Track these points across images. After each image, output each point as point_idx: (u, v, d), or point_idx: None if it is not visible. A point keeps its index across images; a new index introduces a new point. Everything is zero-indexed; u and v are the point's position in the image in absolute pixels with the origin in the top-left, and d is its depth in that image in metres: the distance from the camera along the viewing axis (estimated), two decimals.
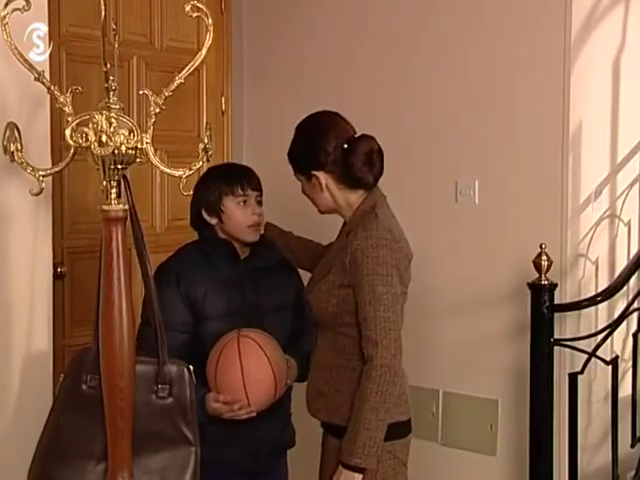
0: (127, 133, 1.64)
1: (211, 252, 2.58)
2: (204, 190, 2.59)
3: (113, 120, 1.63)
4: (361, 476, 2.31)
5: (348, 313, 2.39)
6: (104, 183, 1.69)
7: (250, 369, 2.36)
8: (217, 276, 2.55)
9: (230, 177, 2.60)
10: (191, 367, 1.91)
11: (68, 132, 1.63)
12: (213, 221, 2.60)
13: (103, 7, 1.67)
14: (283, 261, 2.71)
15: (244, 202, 2.58)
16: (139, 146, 1.67)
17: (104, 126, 1.62)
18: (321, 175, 2.44)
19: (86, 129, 1.64)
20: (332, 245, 2.57)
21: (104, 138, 1.62)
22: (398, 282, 2.38)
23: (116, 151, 1.64)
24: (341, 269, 2.38)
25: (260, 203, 2.63)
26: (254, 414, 2.39)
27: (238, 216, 2.57)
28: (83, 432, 1.80)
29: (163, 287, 2.35)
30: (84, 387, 1.82)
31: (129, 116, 1.71)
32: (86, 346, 1.88)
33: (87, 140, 1.62)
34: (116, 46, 1.75)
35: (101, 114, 1.63)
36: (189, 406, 1.86)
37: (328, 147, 2.43)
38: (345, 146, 2.42)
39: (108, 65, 1.65)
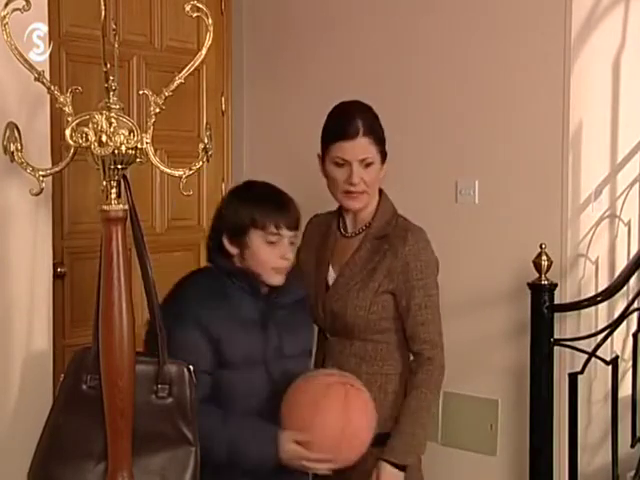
0: (127, 133, 1.64)
1: (229, 285, 2.20)
2: (231, 212, 2.22)
3: (113, 120, 1.63)
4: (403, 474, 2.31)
5: (387, 319, 2.38)
6: (104, 183, 1.69)
7: (353, 422, 2.12)
8: (237, 314, 2.18)
9: (265, 207, 2.20)
10: (191, 367, 1.91)
11: (68, 132, 1.63)
12: (234, 251, 2.22)
13: (103, 7, 1.67)
14: (305, 296, 2.39)
15: (274, 242, 2.20)
16: (139, 146, 1.67)
17: (104, 126, 1.62)
18: (386, 161, 2.44)
19: (86, 129, 1.64)
20: (335, 249, 2.48)
21: (104, 138, 1.62)
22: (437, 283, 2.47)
23: (116, 151, 1.64)
24: (387, 274, 2.35)
25: (293, 244, 2.27)
26: (329, 472, 2.16)
27: (263, 256, 2.20)
28: (83, 432, 1.80)
29: (182, 326, 2.09)
30: (84, 387, 1.82)
31: (129, 116, 1.71)
32: (86, 346, 1.88)
33: (87, 140, 1.62)
34: (116, 46, 1.75)
35: (101, 114, 1.63)
36: (189, 406, 1.86)
37: None
38: None
39: (108, 65, 1.65)
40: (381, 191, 2.48)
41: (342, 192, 2.39)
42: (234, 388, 2.15)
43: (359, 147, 2.35)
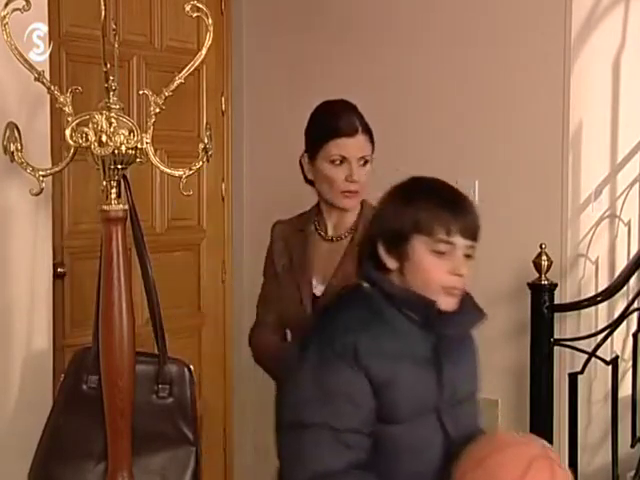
0: (127, 133, 1.64)
1: (392, 312, 1.74)
2: (390, 214, 1.78)
3: (113, 120, 1.63)
4: None
5: None
6: (104, 183, 1.69)
7: None
8: (405, 351, 1.73)
9: (434, 207, 1.77)
10: (191, 366, 1.90)
11: (68, 132, 1.63)
12: (392, 265, 1.75)
13: (103, 7, 1.67)
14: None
15: (444, 252, 1.78)
16: (139, 146, 1.67)
17: (104, 126, 1.62)
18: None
19: (86, 129, 1.64)
20: (317, 254, 2.29)
21: (104, 138, 1.63)
22: None
23: (116, 151, 1.64)
24: None
25: (469, 258, 1.89)
26: None
27: (431, 272, 1.76)
28: (83, 432, 1.80)
29: (331, 365, 1.63)
30: (84, 387, 1.82)
31: (129, 116, 1.71)
32: (86, 346, 1.88)
33: (87, 140, 1.62)
34: (116, 46, 1.75)
35: (101, 114, 1.63)
36: (189, 406, 1.85)
37: None
38: None
39: (108, 65, 1.65)
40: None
41: (341, 191, 2.28)
42: (399, 448, 1.70)
43: (359, 144, 2.28)
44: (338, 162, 2.26)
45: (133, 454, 1.75)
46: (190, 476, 1.84)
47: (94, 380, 1.81)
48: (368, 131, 2.31)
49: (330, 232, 2.32)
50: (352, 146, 2.27)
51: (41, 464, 1.83)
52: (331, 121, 2.31)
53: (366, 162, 2.29)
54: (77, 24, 3.33)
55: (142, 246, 1.82)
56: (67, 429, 1.81)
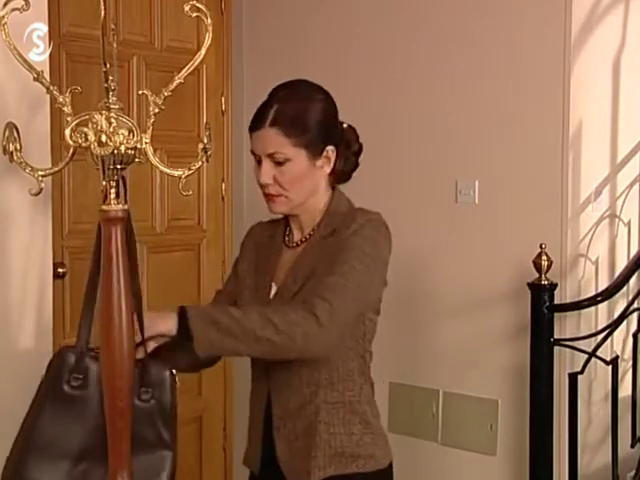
0: (127, 133, 1.64)
1: None
2: None
3: (113, 120, 1.63)
4: None
5: None
6: (103, 183, 1.69)
7: None
8: None
9: None
10: (174, 370, 1.88)
11: (68, 132, 1.62)
12: None
13: (103, 7, 1.67)
14: None
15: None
16: (138, 146, 1.67)
17: (104, 126, 1.62)
18: (332, 151, 2.03)
19: (86, 129, 1.63)
20: (279, 263, 2.08)
21: (104, 138, 1.62)
22: None
23: (115, 151, 1.64)
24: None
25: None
26: None
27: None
28: (62, 432, 1.78)
29: None
30: (65, 387, 1.80)
31: (129, 116, 1.70)
32: (67, 345, 1.87)
33: (87, 140, 1.62)
34: (115, 46, 1.74)
35: (101, 114, 1.63)
36: (170, 410, 1.84)
37: (337, 119, 2.06)
38: (345, 125, 2.10)
39: (108, 65, 1.64)
40: (334, 188, 2.09)
41: (262, 194, 2.02)
42: None
43: (264, 139, 1.96)
44: (257, 159, 2.01)
45: (106, 459, 1.74)
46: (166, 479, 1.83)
47: (77, 380, 1.80)
48: (285, 122, 1.95)
49: (295, 237, 2.09)
50: (257, 141, 1.99)
51: (16, 464, 1.80)
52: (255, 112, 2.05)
53: (283, 160, 1.95)
54: (77, 24, 3.33)
55: (134, 250, 1.80)
56: (45, 429, 1.80)
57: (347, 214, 2.02)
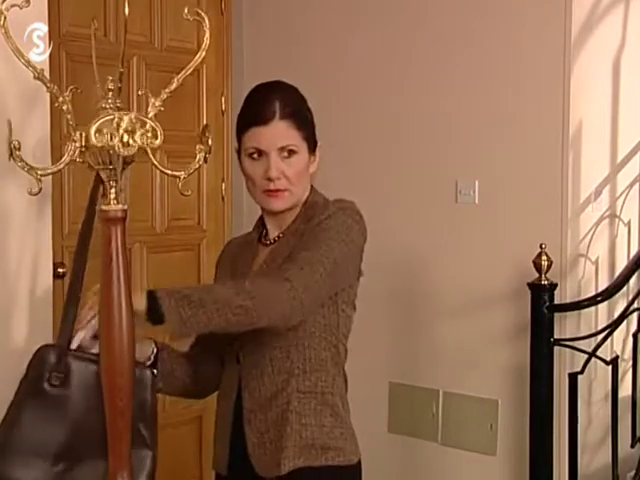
0: (150, 134, 1.64)
1: None
2: None
3: (136, 120, 1.63)
4: None
5: (311, 318, 1.95)
6: (111, 183, 1.68)
7: None
8: None
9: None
10: (155, 370, 1.88)
11: (92, 131, 1.62)
12: None
13: (126, 9, 1.67)
14: None
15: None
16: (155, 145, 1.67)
17: (128, 127, 1.62)
18: (319, 148, 2.05)
19: (106, 130, 1.62)
20: (254, 261, 2.05)
21: (126, 138, 1.62)
22: None
23: (112, 151, 1.64)
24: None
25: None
26: None
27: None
28: (42, 431, 1.78)
29: None
30: (46, 385, 1.80)
31: None
32: (48, 343, 1.87)
33: (112, 140, 1.61)
34: (123, 47, 1.74)
35: (126, 114, 1.63)
36: (149, 409, 1.84)
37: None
38: None
39: (117, 68, 1.65)
40: (312, 188, 2.06)
41: (261, 191, 1.97)
42: None
43: (276, 132, 1.94)
44: (256, 156, 1.96)
45: (88, 457, 1.74)
46: (145, 478, 1.83)
47: (57, 378, 1.80)
48: (294, 115, 1.97)
49: (271, 235, 2.05)
50: (267, 135, 1.94)
51: None
52: (247, 109, 2.02)
53: (291, 153, 1.95)
54: (77, 24, 3.33)
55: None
56: (24, 427, 1.79)
57: (322, 205, 2.01)
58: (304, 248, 1.89)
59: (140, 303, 1.70)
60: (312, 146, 2.01)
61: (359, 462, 2.03)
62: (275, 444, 1.93)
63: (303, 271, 1.83)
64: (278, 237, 2.03)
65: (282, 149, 1.94)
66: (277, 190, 1.95)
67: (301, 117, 1.98)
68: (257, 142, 1.95)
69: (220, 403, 2.07)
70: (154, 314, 1.71)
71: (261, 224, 2.08)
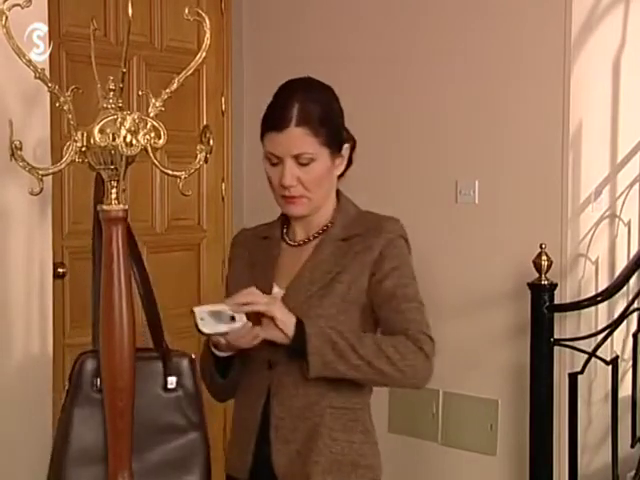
0: (153, 134, 1.64)
1: None
2: None
3: (139, 120, 1.63)
4: None
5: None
6: (112, 183, 1.68)
7: None
8: None
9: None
10: (193, 355, 1.90)
11: (96, 131, 1.62)
12: None
13: (130, 11, 1.66)
14: None
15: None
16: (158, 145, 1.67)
17: (132, 127, 1.62)
18: (346, 150, 1.98)
19: (109, 130, 1.62)
20: (280, 262, 1.99)
21: (129, 138, 1.62)
22: None
23: (114, 151, 1.64)
24: (359, 274, 1.92)
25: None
26: None
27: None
28: (95, 436, 1.80)
29: None
30: (91, 392, 1.82)
31: None
32: (85, 350, 1.89)
33: (114, 140, 1.62)
34: (125, 47, 1.74)
35: (129, 114, 1.63)
36: (195, 395, 1.87)
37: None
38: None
39: (124, 67, 1.65)
40: (338, 191, 2.02)
41: (279, 196, 1.94)
42: None
43: (291, 140, 1.88)
44: (274, 161, 1.91)
45: (144, 450, 1.76)
46: (202, 459, 1.86)
47: (101, 383, 1.82)
48: (312, 121, 1.89)
49: (299, 236, 2.00)
50: (281, 142, 1.89)
51: (56, 472, 1.82)
52: (268, 111, 1.96)
53: (309, 161, 1.89)
54: (77, 24, 3.33)
55: (137, 254, 1.81)
56: (78, 435, 1.81)
57: (359, 217, 1.99)
58: (404, 299, 1.91)
59: (290, 328, 1.79)
60: (336, 148, 1.94)
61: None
62: (303, 456, 1.90)
63: (432, 339, 1.90)
64: (306, 240, 1.99)
65: (297, 156, 1.88)
66: (293, 197, 1.91)
67: (321, 122, 1.90)
68: (273, 148, 1.90)
69: (242, 407, 2.01)
70: (297, 344, 1.79)
71: (283, 222, 2.03)
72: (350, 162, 2.02)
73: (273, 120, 1.91)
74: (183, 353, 1.87)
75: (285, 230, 2.03)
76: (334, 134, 1.93)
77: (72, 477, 1.79)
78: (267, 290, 1.93)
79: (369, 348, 1.83)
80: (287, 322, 1.80)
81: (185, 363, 1.86)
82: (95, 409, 1.78)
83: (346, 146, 1.98)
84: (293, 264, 1.97)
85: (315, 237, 1.98)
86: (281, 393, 1.91)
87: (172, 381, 1.83)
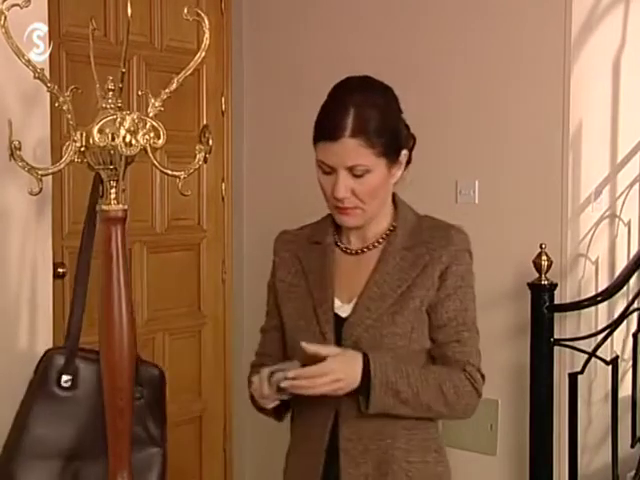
0: (152, 134, 1.64)
1: None
2: None
3: (138, 120, 1.63)
4: None
5: (427, 349, 1.92)
6: (111, 183, 1.69)
7: None
8: None
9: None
10: (163, 369, 1.89)
11: (95, 131, 1.62)
12: None
13: (129, 10, 1.67)
14: None
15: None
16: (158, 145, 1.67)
17: (131, 127, 1.62)
18: (404, 155, 1.89)
19: (108, 129, 1.62)
20: (338, 270, 1.90)
21: (128, 138, 1.62)
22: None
23: (113, 151, 1.64)
24: (430, 287, 1.89)
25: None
26: None
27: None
28: (53, 432, 1.79)
29: None
30: (55, 388, 1.82)
31: None
32: (55, 346, 1.89)
33: (114, 140, 1.62)
34: (125, 47, 1.74)
35: (128, 114, 1.63)
36: (159, 408, 1.86)
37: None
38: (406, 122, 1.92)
39: (123, 66, 1.66)
40: (394, 195, 1.96)
41: (332, 206, 1.85)
42: None
43: (345, 151, 1.77)
44: (327, 170, 1.81)
45: (98, 457, 1.75)
46: (156, 476, 1.85)
47: (67, 380, 1.81)
48: (366, 132, 1.78)
49: (355, 244, 1.92)
50: (334, 153, 1.78)
51: (5, 464, 1.81)
52: (321, 116, 1.85)
53: (364, 172, 1.79)
54: (77, 24, 3.33)
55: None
56: (35, 429, 1.80)
57: (420, 223, 1.94)
58: (464, 326, 2.02)
59: (357, 371, 1.76)
60: (393, 157, 1.85)
61: None
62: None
63: (483, 377, 1.93)
64: (364, 249, 1.91)
65: (352, 168, 1.78)
66: (346, 208, 1.83)
67: (377, 131, 1.80)
68: (326, 158, 1.80)
69: (304, 428, 1.93)
70: (362, 388, 1.77)
71: (334, 228, 1.94)
72: (409, 161, 1.94)
73: (326, 128, 1.80)
74: (154, 364, 1.87)
75: (337, 236, 1.94)
76: (391, 143, 1.84)
77: (23, 470, 1.78)
78: (329, 302, 1.87)
79: (431, 393, 1.84)
80: (353, 384, 1.76)
81: (153, 374, 1.85)
82: (58, 406, 1.79)
83: (404, 152, 1.89)
84: (353, 275, 1.89)
85: (375, 246, 1.90)
86: (349, 413, 1.84)
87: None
